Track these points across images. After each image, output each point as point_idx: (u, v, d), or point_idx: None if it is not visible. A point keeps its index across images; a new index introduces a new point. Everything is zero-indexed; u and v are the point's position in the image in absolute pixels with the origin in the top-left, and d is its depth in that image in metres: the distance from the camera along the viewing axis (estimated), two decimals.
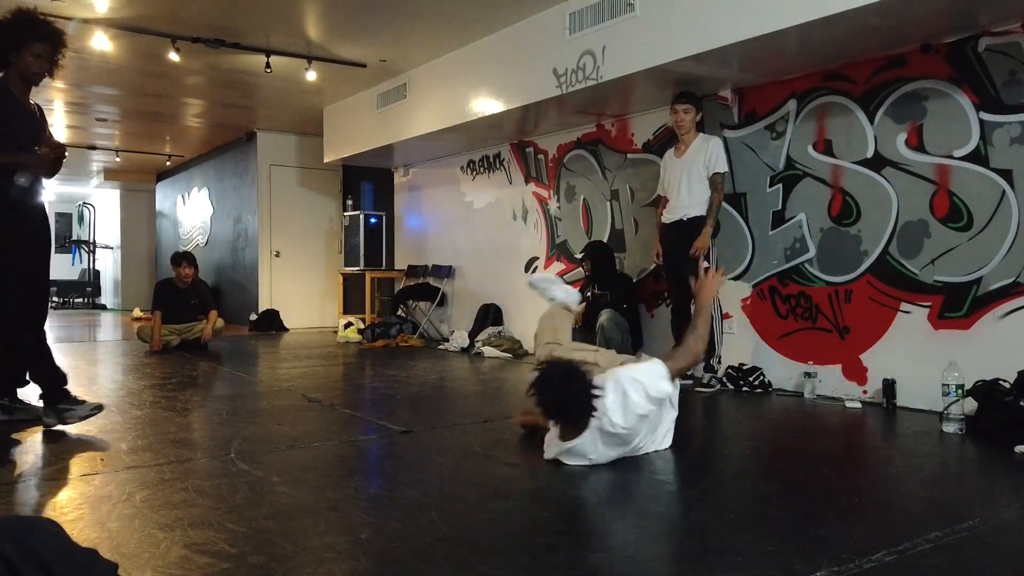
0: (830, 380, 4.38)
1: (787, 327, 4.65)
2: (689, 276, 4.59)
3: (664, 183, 4.91)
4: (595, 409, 2.61)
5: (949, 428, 3.41)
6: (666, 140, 5.43)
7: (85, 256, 15.66)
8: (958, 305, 3.84)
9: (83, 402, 3.47)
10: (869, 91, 4.22)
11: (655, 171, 5.17)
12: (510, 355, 6.46)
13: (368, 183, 9.44)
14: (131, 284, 14.33)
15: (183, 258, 6.94)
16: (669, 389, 2.83)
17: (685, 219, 4.68)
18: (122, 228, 14.65)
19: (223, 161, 10.99)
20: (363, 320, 8.32)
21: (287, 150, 9.91)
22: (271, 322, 9.41)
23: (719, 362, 4.72)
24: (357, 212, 8.65)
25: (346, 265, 8.78)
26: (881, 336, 4.17)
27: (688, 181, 4.66)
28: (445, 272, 8.01)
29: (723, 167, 4.59)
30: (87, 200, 16.04)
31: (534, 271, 6.78)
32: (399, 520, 2.16)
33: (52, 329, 9.53)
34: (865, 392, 4.24)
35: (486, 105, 6.01)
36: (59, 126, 9.75)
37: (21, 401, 3.64)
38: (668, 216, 4.83)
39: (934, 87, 3.94)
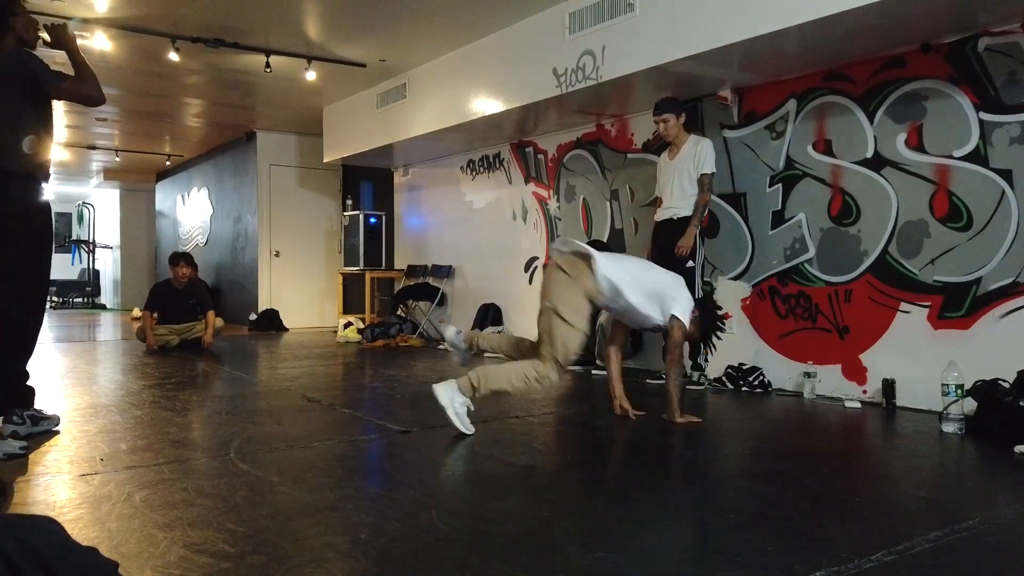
0: (830, 380, 4.38)
1: (787, 327, 4.65)
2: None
3: (659, 185, 4.95)
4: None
5: (949, 428, 3.41)
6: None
7: (85, 256, 15.67)
8: (958, 305, 3.84)
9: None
10: (869, 91, 4.22)
11: (655, 171, 5.17)
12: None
13: (368, 183, 9.44)
14: (131, 284, 14.33)
15: (180, 258, 6.94)
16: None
17: (674, 218, 4.74)
18: (122, 228, 14.66)
19: (223, 161, 10.99)
20: (363, 320, 8.31)
21: (287, 150, 9.91)
22: (271, 322, 9.41)
23: (706, 360, 4.74)
24: (357, 212, 8.65)
25: (346, 265, 8.78)
26: (881, 336, 4.17)
27: (680, 183, 4.71)
28: (445, 272, 8.00)
29: (710, 168, 4.63)
30: (87, 200, 16.04)
31: (533, 272, 6.78)
32: (399, 520, 2.16)
33: (52, 329, 9.55)
34: (865, 392, 4.24)
35: (486, 105, 6.01)
36: (59, 126, 9.75)
37: (39, 411, 3.32)
38: (659, 215, 4.90)
39: (934, 87, 3.94)
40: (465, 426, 3.27)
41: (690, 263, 4.63)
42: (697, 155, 4.63)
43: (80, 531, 2.03)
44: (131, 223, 14.61)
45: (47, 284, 3.31)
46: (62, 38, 3.22)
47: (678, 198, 4.72)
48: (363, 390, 4.99)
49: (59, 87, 3.10)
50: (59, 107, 8.69)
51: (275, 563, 1.82)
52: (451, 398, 3.28)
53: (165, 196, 13.77)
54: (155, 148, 11.47)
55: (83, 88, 3.13)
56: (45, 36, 3.23)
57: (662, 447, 3.33)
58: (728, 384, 4.69)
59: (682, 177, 4.70)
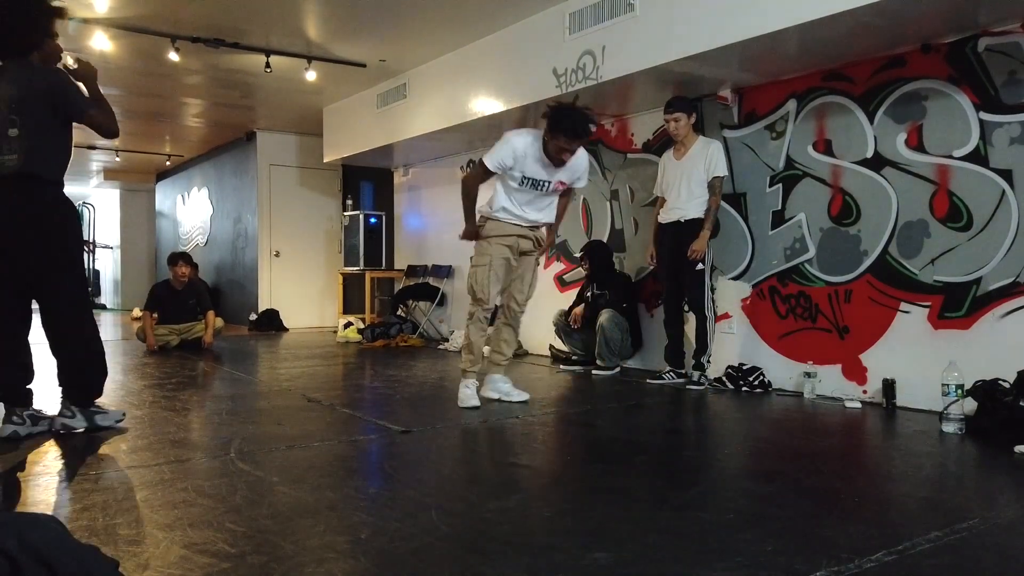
0: (830, 380, 4.38)
1: (787, 327, 4.65)
2: (684, 276, 4.67)
3: (662, 184, 4.94)
4: None
5: (949, 428, 3.41)
6: (666, 140, 5.42)
7: (85, 256, 15.65)
8: (958, 305, 3.84)
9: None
10: (869, 91, 4.22)
11: (655, 171, 5.17)
12: None
13: (368, 183, 9.44)
14: (131, 284, 14.32)
15: (179, 258, 6.94)
16: None
17: (682, 221, 4.72)
18: (122, 228, 14.65)
19: (223, 161, 10.99)
20: (363, 320, 8.31)
21: (287, 150, 9.91)
22: (271, 322, 9.41)
23: (709, 362, 4.74)
24: (357, 212, 8.65)
25: (346, 265, 8.78)
26: (881, 336, 4.17)
27: (688, 184, 4.69)
28: (445, 272, 8.00)
29: (723, 171, 4.63)
30: (87, 200, 16.03)
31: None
32: (399, 520, 2.16)
33: None
34: (865, 392, 4.24)
35: (486, 105, 6.01)
36: None
37: (38, 411, 3.35)
38: (665, 216, 4.87)
39: (934, 87, 3.94)
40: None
41: (699, 266, 4.64)
42: (708, 158, 4.63)
43: (80, 531, 2.03)
44: (131, 223, 14.61)
45: (84, 276, 3.48)
46: (87, 73, 3.37)
47: (685, 199, 4.71)
48: (363, 390, 4.99)
49: (87, 113, 3.29)
50: None
51: (275, 563, 1.82)
52: (475, 393, 4.03)
53: (165, 196, 13.77)
54: (155, 148, 11.46)
55: (104, 119, 3.35)
56: (70, 63, 3.36)
57: (662, 447, 3.33)
58: (728, 384, 4.69)
59: (690, 179, 4.69)
